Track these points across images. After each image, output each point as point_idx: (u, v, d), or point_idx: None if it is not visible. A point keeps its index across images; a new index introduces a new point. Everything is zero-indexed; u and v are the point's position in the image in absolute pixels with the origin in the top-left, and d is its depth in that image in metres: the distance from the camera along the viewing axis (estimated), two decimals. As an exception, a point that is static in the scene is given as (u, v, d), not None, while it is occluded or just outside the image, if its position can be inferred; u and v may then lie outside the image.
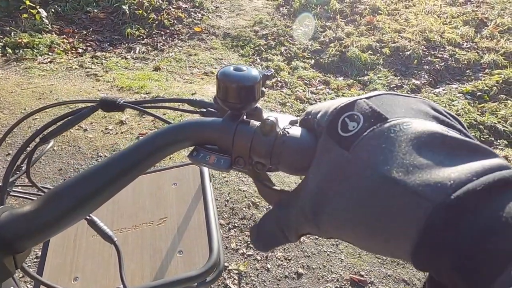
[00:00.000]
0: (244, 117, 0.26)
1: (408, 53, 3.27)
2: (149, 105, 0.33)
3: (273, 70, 0.29)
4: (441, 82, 3.00)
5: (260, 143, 0.24)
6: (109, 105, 0.33)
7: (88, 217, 0.39)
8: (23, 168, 0.33)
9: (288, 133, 0.24)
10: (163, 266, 0.51)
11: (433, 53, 3.31)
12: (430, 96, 2.77)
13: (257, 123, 0.25)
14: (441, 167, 0.16)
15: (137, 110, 0.32)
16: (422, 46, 3.36)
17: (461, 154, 0.16)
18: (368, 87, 2.90)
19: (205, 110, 0.31)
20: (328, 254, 1.49)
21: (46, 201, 0.24)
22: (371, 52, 3.30)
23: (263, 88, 0.27)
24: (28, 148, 0.33)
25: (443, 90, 2.86)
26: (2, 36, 3.07)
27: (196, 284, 0.48)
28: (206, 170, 0.61)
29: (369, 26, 3.75)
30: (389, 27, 3.68)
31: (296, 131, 0.24)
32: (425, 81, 2.97)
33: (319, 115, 0.22)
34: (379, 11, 4.03)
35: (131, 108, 0.32)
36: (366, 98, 0.20)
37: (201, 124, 0.26)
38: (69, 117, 0.32)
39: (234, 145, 0.25)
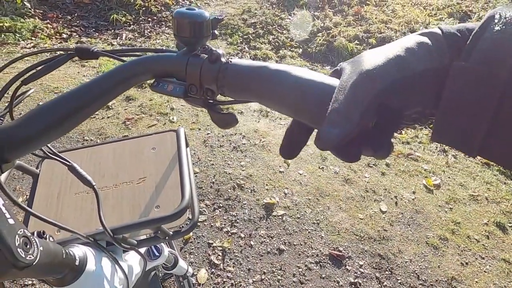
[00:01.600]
0: (198, 53, 0.30)
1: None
2: (121, 53, 0.36)
3: (224, 15, 0.33)
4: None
5: (207, 70, 0.28)
6: (84, 53, 0.36)
7: (68, 163, 0.42)
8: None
9: (231, 61, 0.28)
10: (141, 218, 0.55)
11: (417, 44, 3.39)
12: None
13: (206, 55, 0.29)
14: None
15: (109, 57, 0.35)
16: (407, 37, 3.43)
17: None
18: (353, 76, 2.96)
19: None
20: (309, 232, 1.56)
21: (28, 117, 0.27)
22: (358, 42, 3.36)
23: (216, 31, 0.31)
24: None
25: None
26: (-18, 20, 2.98)
27: (171, 233, 0.52)
28: (181, 132, 0.65)
29: (357, 17, 3.79)
30: (376, 18, 3.74)
31: (238, 61, 0.28)
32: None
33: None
34: (367, 2, 4.07)
35: (104, 55, 0.36)
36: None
37: (159, 57, 0.30)
38: (47, 63, 0.36)
39: (187, 74, 0.29)
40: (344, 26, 3.60)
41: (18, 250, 0.27)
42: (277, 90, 0.25)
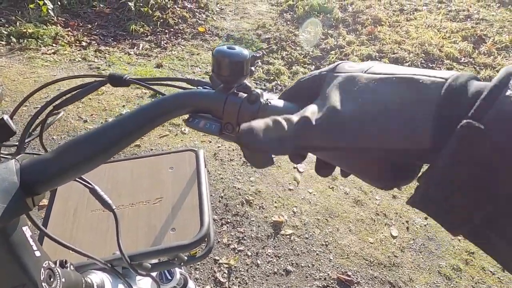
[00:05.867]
0: (235, 90, 0.30)
1: (407, 64, 3.33)
2: (152, 82, 0.36)
3: (261, 53, 0.34)
4: (438, 94, 3.06)
5: (246, 110, 0.28)
6: (116, 80, 0.36)
7: (90, 186, 0.42)
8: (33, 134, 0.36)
9: (270, 102, 0.27)
10: (156, 241, 0.54)
11: (431, 65, 3.37)
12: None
13: (245, 95, 0.29)
14: None
15: (141, 85, 0.36)
16: (421, 59, 3.43)
17: None
18: (365, 95, 2.96)
19: (201, 87, 0.35)
20: (317, 254, 1.52)
21: (62, 151, 0.27)
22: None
23: (252, 68, 0.31)
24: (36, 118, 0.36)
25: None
26: (7, 25, 3.10)
27: (186, 258, 0.51)
28: (201, 155, 0.65)
29: (370, 36, 3.82)
30: (389, 38, 3.75)
31: (277, 102, 0.28)
32: (422, 92, 3.03)
33: None
34: (381, 22, 4.10)
35: (135, 83, 0.36)
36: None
37: (197, 94, 0.30)
38: (79, 89, 0.36)
39: (224, 112, 0.29)
40: (357, 45, 3.63)
41: (43, 284, 0.26)
42: None
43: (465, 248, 1.64)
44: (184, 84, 0.36)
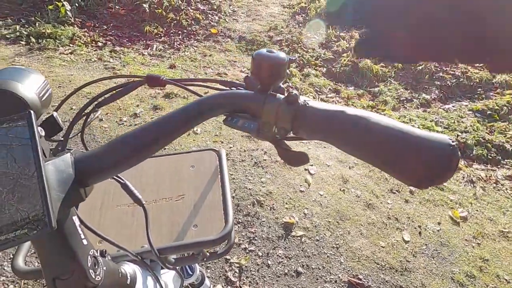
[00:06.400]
0: (271, 91, 0.31)
1: (420, 68, 3.30)
2: (187, 83, 0.38)
3: (296, 56, 0.35)
4: (452, 98, 3.02)
5: (285, 110, 0.29)
6: (153, 80, 0.38)
7: (122, 181, 0.44)
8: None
9: (308, 103, 0.29)
10: (179, 236, 0.56)
11: (445, 69, 3.33)
12: (439, 111, 2.79)
13: (283, 96, 0.30)
14: None
15: (176, 86, 0.37)
16: (434, 62, 3.39)
17: None
18: (378, 98, 2.94)
19: (235, 88, 0.36)
20: (328, 256, 1.52)
21: (112, 146, 0.29)
22: (383, 65, 3.34)
23: (287, 70, 0.32)
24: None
25: (453, 106, 2.88)
26: (27, 26, 3.19)
27: (208, 254, 0.53)
28: (223, 154, 0.66)
29: (383, 39, 3.79)
30: (402, 41, 3.72)
31: (314, 103, 0.29)
32: (435, 96, 3.00)
33: None
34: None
35: (171, 84, 0.37)
36: None
37: (237, 94, 0.32)
38: (119, 89, 0.38)
39: (263, 112, 0.30)
40: (370, 48, 3.60)
41: (90, 271, 0.28)
42: (355, 136, 0.25)
43: (479, 255, 1.61)
44: (217, 85, 0.37)
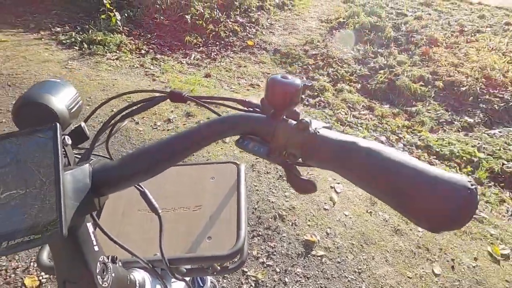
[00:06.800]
0: (284, 116, 0.31)
1: (464, 89, 3.10)
2: (207, 100, 0.39)
3: (312, 82, 0.35)
4: (498, 123, 2.80)
5: (295, 136, 0.29)
6: (176, 96, 0.40)
7: (141, 189, 0.46)
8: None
9: (319, 132, 0.28)
10: (193, 247, 0.56)
11: (492, 91, 3.11)
12: (483, 136, 2.60)
13: (295, 122, 0.30)
14: None
15: (197, 103, 0.39)
16: (481, 84, 3.17)
17: None
18: (414, 118, 2.80)
19: (252, 109, 0.37)
20: (348, 280, 1.45)
21: (128, 159, 0.31)
22: (423, 83, 3.19)
23: (302, 95, 0.32)
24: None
25: (499, 132, 2.66)
26: (81, 33, 3.49)
27: (219, 268, 0.53)
28: (242, 168, 0.67)
29: (424, 57, 3.64)
30: (445, 60, 3.54)
31: (325, 131, 0.28)
32: (479, 120, 2.80)
33: None
34: (437, 43, 3.89)
35: (192, 101, 0.39)
36: None
37: (250, 117, 0.32)
38: (144, 102, 0.40)
39: (274, 137, 0.30)
40: (409, 66, 3.47)
41: (98, 277, 0.29)
42: (365, 171, 0.25)
43: (521, 299, 1.45)
44: (235, 104, 0.38)
